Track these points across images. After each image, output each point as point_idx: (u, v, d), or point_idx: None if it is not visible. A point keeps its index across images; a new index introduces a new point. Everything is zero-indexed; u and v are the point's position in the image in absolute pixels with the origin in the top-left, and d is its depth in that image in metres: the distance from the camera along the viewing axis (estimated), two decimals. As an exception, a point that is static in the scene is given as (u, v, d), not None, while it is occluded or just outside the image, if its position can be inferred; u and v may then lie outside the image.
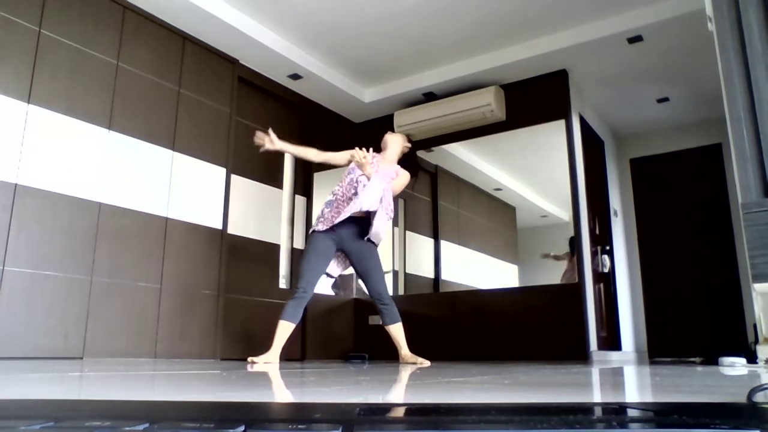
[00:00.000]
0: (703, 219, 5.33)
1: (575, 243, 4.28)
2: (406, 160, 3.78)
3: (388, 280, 5.13)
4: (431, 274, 5.01)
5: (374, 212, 3.40)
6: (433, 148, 5.02)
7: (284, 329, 3.24)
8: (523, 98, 4.59)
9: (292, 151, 3.64)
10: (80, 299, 3.10)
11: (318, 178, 4.93)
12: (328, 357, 4.70)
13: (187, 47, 3.93)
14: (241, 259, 4.15)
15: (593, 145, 5.03)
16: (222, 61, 4.16)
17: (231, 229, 4.05)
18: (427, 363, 3.30)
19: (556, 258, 4.44)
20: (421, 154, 5.12)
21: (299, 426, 0.57)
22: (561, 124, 4.40)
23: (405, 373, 2.25)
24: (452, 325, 4.52)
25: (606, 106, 5.17)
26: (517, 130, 4.59)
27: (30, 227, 2.94)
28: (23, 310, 2.86)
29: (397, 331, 3.45)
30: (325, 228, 3.44)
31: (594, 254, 4.61)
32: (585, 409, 0.79)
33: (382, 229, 3.44)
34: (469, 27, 4.11)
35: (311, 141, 4.92)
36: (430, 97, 4.88)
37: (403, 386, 1.53)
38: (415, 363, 3.32)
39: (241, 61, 4.29)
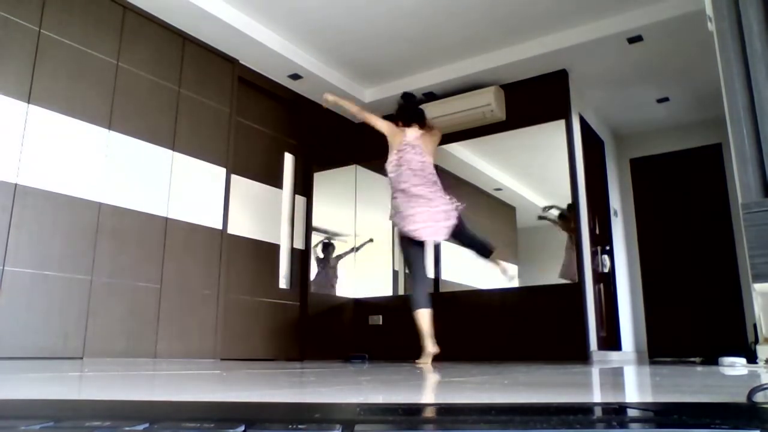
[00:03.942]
0: (703, 219, 5.33)
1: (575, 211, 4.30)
2: (410, 114, 3.68)
3: (389, 279, 5.14)
4: (431, 274, 5.01)
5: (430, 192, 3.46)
6: (433, 148, 5.01)
7: (425, 317, 3.36)
8: (523, 98, 4.59)
9: (346, 106, 3.85)
10: (80, 299, 3.10)
11: (318, 178, 4.93)
12: (328, 357, 4.70)
13: (187, 47, 3.93)
14: (241, 259, 4.15)
15: (593, 145, 5.03)
16: (222, 61, 4.16)
17: (231, 229, 4.05)
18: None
19: (551, 220, 4.41)
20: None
21: (299, 426, 0.57)
22: (561, 124, 4.40)
23: (405, 373, 2.25)
24: (452, 325, 4.52)
25: (606, 106, 5.17)
26: (517, 130, 4.59)
27: (30, 227, 2.94)
28: (23, 310, 2.86)
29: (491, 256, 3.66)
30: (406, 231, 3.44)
31: (594, 254, 4.60)
32: (585, 409, 0.79)
33: (445, 208, 3.46)
34: (469, 27, 4.11)
35: (311, 141, 4.93)
36: (430, 97, 4.87)
37: (403, 386, 1.53)
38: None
39: (241, 61, 4.29)
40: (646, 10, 3.88)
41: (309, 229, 4.77)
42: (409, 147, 3.51)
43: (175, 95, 3.80)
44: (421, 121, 3.65)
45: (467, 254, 4.96)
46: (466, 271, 4.91)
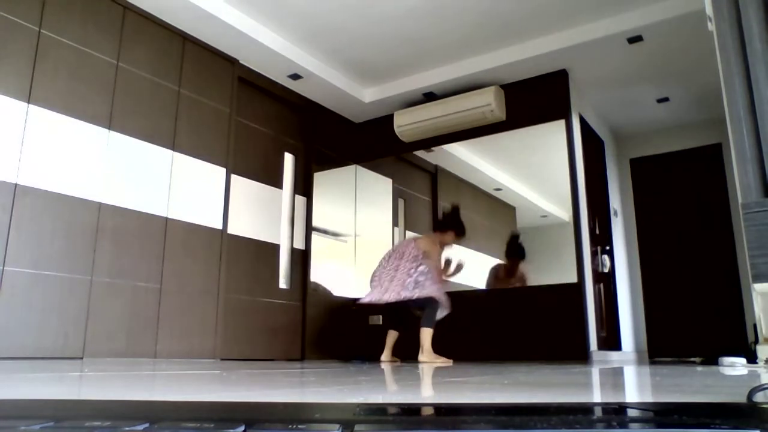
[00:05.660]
0: (703, 219, 5.33)
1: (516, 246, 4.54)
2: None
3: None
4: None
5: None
6: (433, 148, 5.02)
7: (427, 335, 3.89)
8: (523, 98, 4.58)
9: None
10: (80, 299, 3.10)
11: (318, 178, 4.93)
12: (328, 357, 4.70)
13: (187, 47, 3.93)
14: (241, 259, 4.15)
15: (593, 145, 5.02)
16: (222, 61, 4.16)
17: (231, 229, 4.05)
18: (449, 362, 3.70)
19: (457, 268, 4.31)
20: (421, 154, 5.12)
21: (299, 426, 0.57)
22: (561, 124, 4.40)
23: (405, 373, 2.25)
24: (452, 325, 4.52)
25: (606, 106, 5.17)
26: (517, 130, 4.59)
27: (30, 227, 2.94)
28: (23, 310, 2.86)
29: (423, 335, 3.92)
30: None
31: (594, 254, 4.60)
32: (585, 409, 0.79)
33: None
34: (469, 27, 4.11)
35: (311, 141, 4.93)
36: (430, 97, 4.87)
37: (403, 386, 1.53)
38: (433, 362, 3.70)
39: (241, 61, 4.29)
40: (646, 10, 3.88)
41: (309, 229, 4.76)
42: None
43: (175, 95, 3.79)
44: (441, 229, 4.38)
45: (467, 255, 4.97)
46: (466, 271, 4.90)
